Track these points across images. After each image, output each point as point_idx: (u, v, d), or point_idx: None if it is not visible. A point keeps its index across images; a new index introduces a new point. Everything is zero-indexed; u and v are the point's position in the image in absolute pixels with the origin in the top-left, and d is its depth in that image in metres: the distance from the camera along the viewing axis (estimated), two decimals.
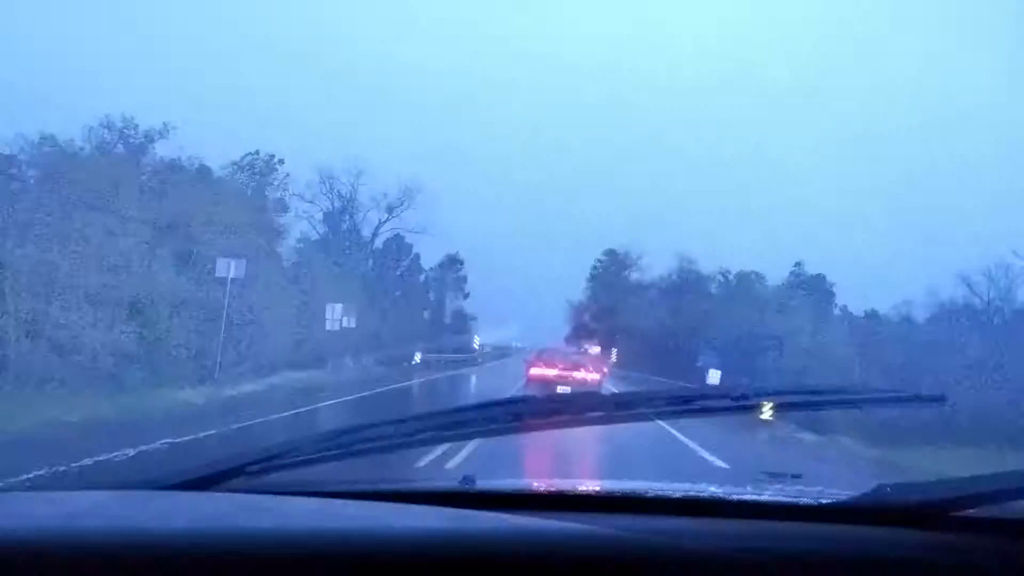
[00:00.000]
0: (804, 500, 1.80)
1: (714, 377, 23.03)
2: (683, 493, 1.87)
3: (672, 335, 30.43)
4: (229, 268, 17.84)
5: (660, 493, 1.88)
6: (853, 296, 41.57)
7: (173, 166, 22.58)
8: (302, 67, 68.89)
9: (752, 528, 1.55)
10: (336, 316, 21.13)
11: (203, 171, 25.05)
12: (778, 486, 2.10)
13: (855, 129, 62.54)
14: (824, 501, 1.72)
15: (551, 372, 19.66)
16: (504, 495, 1.86)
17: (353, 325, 21.42)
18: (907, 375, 23.35)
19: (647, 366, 31.08)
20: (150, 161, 23.02)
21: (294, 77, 68.39)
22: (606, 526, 1.37)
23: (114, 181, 17.86)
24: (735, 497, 1.86)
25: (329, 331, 20.84)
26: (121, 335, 14.90)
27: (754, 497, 1.87)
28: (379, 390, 18.54)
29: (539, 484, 2.56)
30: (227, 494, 1.55)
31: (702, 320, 29.56)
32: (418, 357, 26.11)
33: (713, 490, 1.98)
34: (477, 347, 38.92)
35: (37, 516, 1.29)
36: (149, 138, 27.38)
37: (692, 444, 11.15)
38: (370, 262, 35.47)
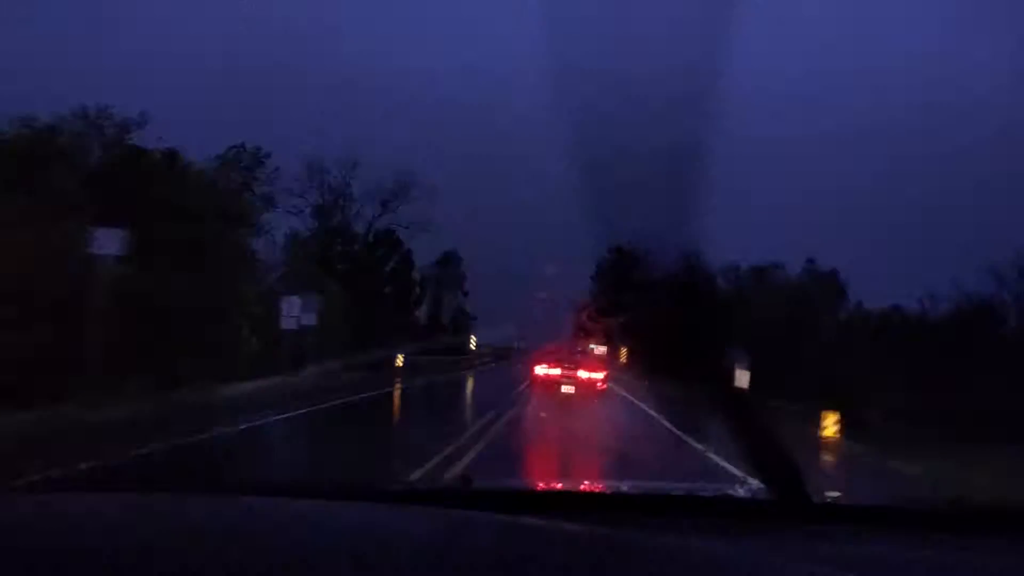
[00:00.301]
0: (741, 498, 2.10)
1: (742, 378, 20.24)
2: (662, 491, 2.09)
3: (688, 332, 27.74)
4: (105, 243, 14.02)
5: (649, 491, 2.13)
6: (869, 290, 39.42)
7: (129, 150, 20.25)
8: (293, 63, 66.77)
9: (715, 524, 1.70)
10: (293, 312, 17.99)
11: (169, 157, 22.80)
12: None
13: (869, 116, 60.07)
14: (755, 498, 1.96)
15: (555, 372, 19.50)
16: (500, 495, 1.93)
17: (314, 322, 18.44)
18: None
19: (661, 366, 28.16)
20: (98, 144, 20.68)
21: (286, 73, 66.38)
22: (600, 524, 1.45)
23: (46, 166, 15.82)
24: (704, 494, 2.08)
25: (286, 330, 17.92)
26: (36, 338, 12.45)
27: (720, 495, 2.11)
28: (310, 408, 14.07)
29: (533, 484, 2.91)
30: (214, 496, 1.55)
31: (720, 316, 26.88)
32: (400, 360, 22.96)
33: (687, 488, 2.18)
34: (473, 347, 35.73)
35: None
36: (124, 128, 25.90)
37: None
38: (356, 257, 33.12)
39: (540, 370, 19.93)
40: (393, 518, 1.29)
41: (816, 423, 12.10)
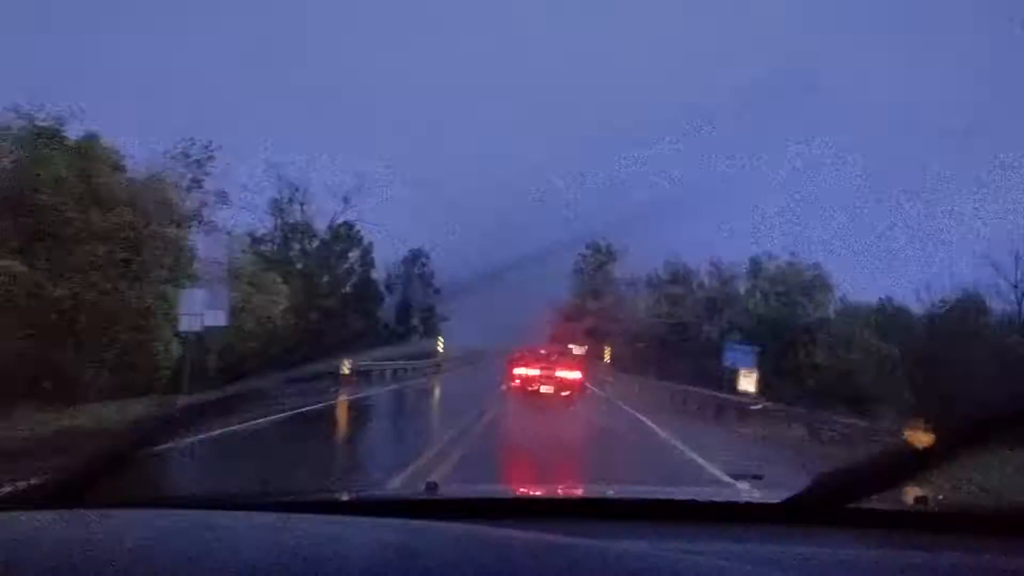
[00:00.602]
0: (739, 501, 1.97)
1: (747, 381, 17.77)
2: (638, 496, 2.01)
3: (678, 330, 24.57)
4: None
5: (619, 496, 2.04)
6: (854, 284, 37.72)
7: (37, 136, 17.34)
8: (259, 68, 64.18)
9: (695, 530, 1.69)
10: (194, 310, 14.29)
11: (87, 144, 20.01)
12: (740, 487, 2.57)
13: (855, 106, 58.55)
14: (766, 501, 1.89)
15: (533, 373, 19.67)
16: (466, 503, 1.87)
17: (222, 322, 15.15)
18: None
19: (654, 369, 25.39)
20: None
21: (249, 78, 63.84)
22: (566, 532, 1.37)
23: None
24: (680, 498, 1.96)
25: (188, 333, 14.45)
26: None
27: (701, 499, 2.00)
28: None
29: (501, 491, 2.66)
30: (162, 511, 1.53)
31: (711, 313, 23.76)
32: (347, 367, 19.10)
33: (664, 492, 2.08)
34: (442, 350, 32.42)
35: None
36: (59, 121, 23.66)
37: None
38: (313, 254, 30.26)
39: (518, 371, 20.10)
40: (351, 531, 1.25)
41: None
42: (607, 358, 32.25)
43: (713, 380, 18.58)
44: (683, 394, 20.33)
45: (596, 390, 24.21)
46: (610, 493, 2.06)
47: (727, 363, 18.36)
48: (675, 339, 25.03)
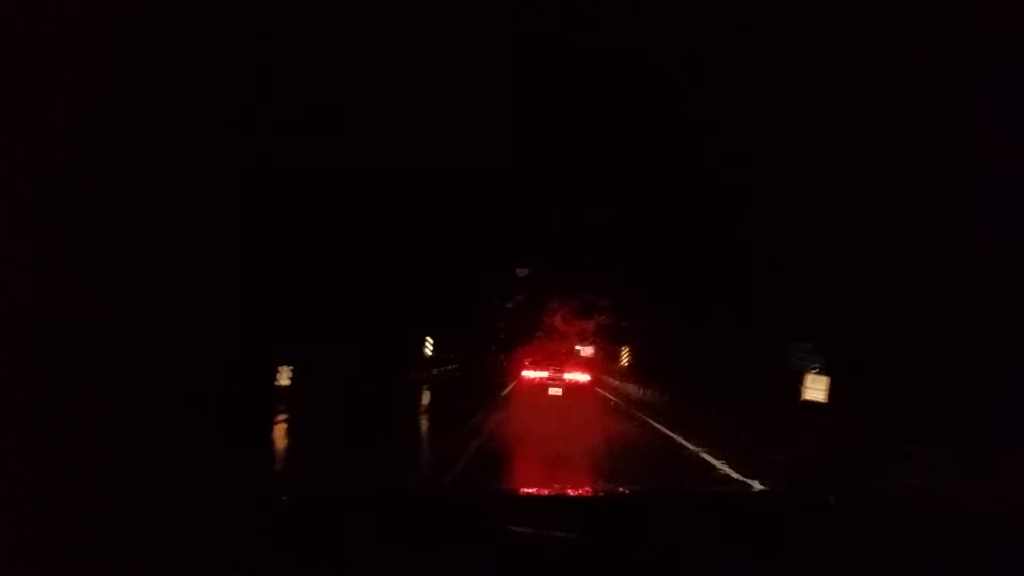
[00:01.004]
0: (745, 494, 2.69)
1: (817, 389, 13.56)
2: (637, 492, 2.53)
3: (713, 323, 19.71)
4: None
5: (625, 493, 2.49)
6: None
7: None
8: None
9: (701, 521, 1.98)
10: None
11: None
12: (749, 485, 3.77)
13: None
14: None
15: (542, 374, 20.34)
16: (483, 500, 2.09)
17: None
18: None
19: (685, 373, 20.53)
20: None
21: None
22: (577, 530, 1.64)
23: None
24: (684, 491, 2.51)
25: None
26: None
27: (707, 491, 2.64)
28: None
29: (533, 489, 3.00)
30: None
31: (752, 294, 17.53)
32: (287, 376, 13.11)
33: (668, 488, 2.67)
34: (429, 354, 27.78)
35: None
36: None
37: None
38: None
39: (527, 373, 20.97)
40: (386, 524, 1.40)
41: None
42: (624, 360, 28.81)
43: (779, 389, 13.75)
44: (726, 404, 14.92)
45: (614, 400, 21.51)
46: (625, 491, 2.52)
47: (787, 365, 14.11)
48: (721, 334, 19.91)
